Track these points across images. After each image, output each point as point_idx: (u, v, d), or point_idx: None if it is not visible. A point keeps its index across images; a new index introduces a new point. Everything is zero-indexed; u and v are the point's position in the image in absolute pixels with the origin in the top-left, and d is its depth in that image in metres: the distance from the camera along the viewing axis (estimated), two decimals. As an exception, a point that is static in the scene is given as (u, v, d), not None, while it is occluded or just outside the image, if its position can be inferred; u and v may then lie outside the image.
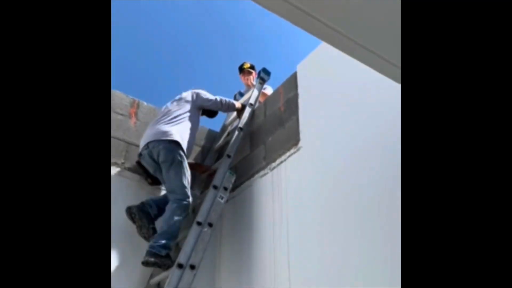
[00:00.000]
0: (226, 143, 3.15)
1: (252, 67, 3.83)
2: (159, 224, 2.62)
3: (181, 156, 2.71)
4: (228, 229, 2.97)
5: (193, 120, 2.94)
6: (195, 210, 2.87)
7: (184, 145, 2.75)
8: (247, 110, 3.26)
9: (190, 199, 2.64)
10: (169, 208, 2.57)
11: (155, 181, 2.92)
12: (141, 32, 6.00)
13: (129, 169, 2.94)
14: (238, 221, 2.91)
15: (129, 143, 3.04)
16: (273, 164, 2.82)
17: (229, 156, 2.95)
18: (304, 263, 2.29)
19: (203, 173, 3.12)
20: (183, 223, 2.59)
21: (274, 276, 2.42)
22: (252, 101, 3.34)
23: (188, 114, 2.91)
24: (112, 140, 2.98)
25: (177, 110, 2.92)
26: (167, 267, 2.41)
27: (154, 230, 2.55)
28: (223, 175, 2.81)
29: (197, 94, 3.08)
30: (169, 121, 2.83)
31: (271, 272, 2.46)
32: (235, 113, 3.46)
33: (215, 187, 2.73)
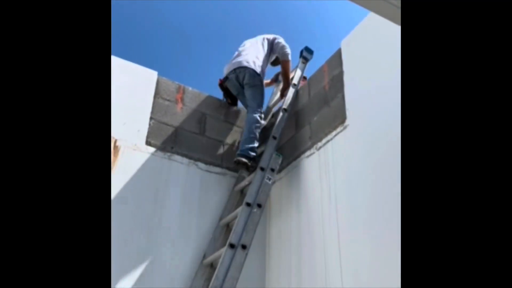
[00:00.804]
0: (271, 125, 3.15)
1: None
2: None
3: (260, 81, 3.24)
4: (276, 210, 3.00)
5: (266, 57, 3.35)
6: (243, 191, 2.92)
7: (262, 75, 3.29)
8: (291, 91, 3.24)
9: (263, 111, 3.18)
10: (248, 119, 3.09)
11: (233, 102, 3.38)
12: (187, 20, 6.07)
13: (178, 153, 3.01)
14: (286, 202, 2.93)
15: (177, 128, 3.11)
16: (319, 144, 2.80)
17: (274, 138, 2.96)
18: (354, 243, 2.27)
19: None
20: (260, 129, 3.07)
21: (324, 255, 2.43)
22: (295, 81, 3.32)
23: (264, 51, 3.36)
24: (161, 125, 3.06)
25: (259, 46, 3.37)
26: (253, 169, 2.83)
27: (256, 162, 2.89)
28: (269, 156, 2.83)
29: (275, 37, 3.44)
30: (252, 53, 3.31)
31: (321, 251, 2.47)
32: (278, 95, 3.45)
33: (262, 169, 2.75)
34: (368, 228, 2.21)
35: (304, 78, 3.44)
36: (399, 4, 1.32)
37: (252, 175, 2.79)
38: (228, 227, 2.78)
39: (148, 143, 2.94)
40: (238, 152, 2.93)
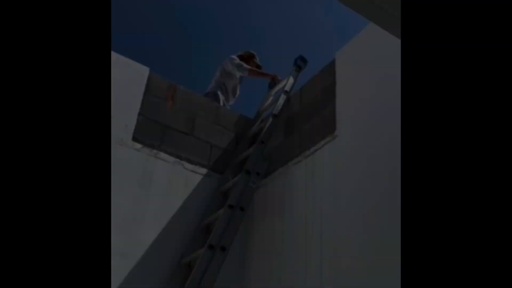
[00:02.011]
0: (260, 129, 3.14)
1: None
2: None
3: (211, 92, 3.77)
4: (259, 216, 2.97)
5: (221, 82, 3.83)
6: (227, 193, 2.89)
7: (217, 97, 3.75)
8: (282, 97, 3.24)
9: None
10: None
11: None
12: (183, 18, 6.08)
13: (165, 151, 2.98)
14: (271, 207, 2.91)
15: (165, 126, 3.08)
16: (307, 152, 2.79)
17: (262, 142, 2.95)
18: (336, 252, 2.26)
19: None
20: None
21: (306, 263, 2.41)
22: (287, 88, 3.32)
23: (217, 77, 3.83)
24: (149, 122, 3.02)
25: (215, 75, 3.86)
26: None
27: None
28: (256, 160, 2.82)
29: (224, 61, 3.89)
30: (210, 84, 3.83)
31: (302, 259, 2.45)
32: (269, 100, 3.46)
33: (247, 172, 2.73)
34: (351, 238, 2.20)
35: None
36: (399, 15, 1.32)
37: (236, 178, 2.77)
38: (208, 229, 2.74)
39: (135, 139, 2.90)
40: None
